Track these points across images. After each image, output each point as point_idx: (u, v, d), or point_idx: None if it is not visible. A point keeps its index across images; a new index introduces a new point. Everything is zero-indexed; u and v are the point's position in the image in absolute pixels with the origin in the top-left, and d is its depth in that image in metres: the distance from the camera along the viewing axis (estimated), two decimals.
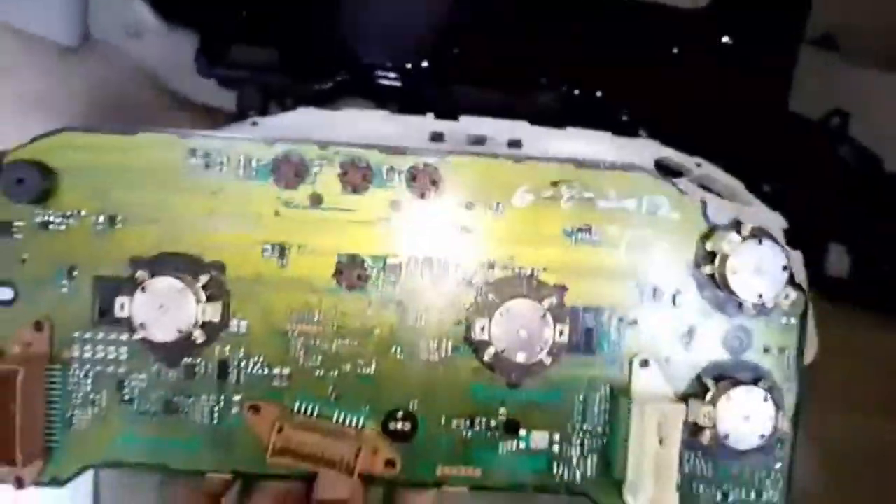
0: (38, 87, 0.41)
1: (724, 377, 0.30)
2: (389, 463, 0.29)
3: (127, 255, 0.29)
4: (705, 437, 0.29)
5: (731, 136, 0.42)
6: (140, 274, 0.28)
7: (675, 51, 0.43)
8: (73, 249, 0.29)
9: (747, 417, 0.29)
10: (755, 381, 0.29)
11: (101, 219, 0.29)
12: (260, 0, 0.42)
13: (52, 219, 0.29)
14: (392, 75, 0.42)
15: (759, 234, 0.29)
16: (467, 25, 0.43)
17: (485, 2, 0.43)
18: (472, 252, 0.30)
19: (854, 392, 0.45)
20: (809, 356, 0.31)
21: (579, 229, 0.30)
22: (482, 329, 0.28)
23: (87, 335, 0.29)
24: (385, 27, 0.43)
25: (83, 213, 0.29)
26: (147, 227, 0.29)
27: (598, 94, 0.43)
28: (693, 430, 0.29)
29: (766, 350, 0.30)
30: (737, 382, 0.29)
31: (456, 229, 0.29)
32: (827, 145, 0.49)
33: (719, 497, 0.30)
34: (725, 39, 0.43)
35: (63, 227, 0.29)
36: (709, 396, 0.29)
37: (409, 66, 0.42)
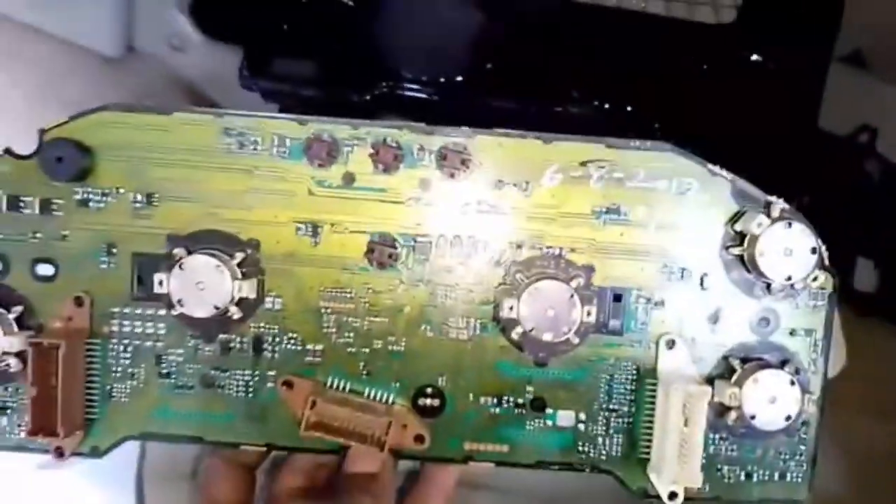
0: (82, 95, 0.42)
1: (750, 358, 0.30)
2: (419, 438, 0.30)
3: (164, 233, 0.29)
4: (731, 417, 0.29)
5: (760, 152, 0.42)
6: (177, 251, 0.28)
7: (704, 66, 0.43)
8: (112, 227, 0.29)
9: (773, 400, 0.29)
10: (782, 364, 0.29)
11: (139, 197, 0.29)
12: (302, 14, 0.43)
13: (91, 196, 0.29)
14: (427, 89, 0.43)
15: (788, 215, 0.29)
16: (500, 42, 0.43)
17: (517, 19, 0.44)
18: (501, 231, 0.30)
19: (878, 400, 0.44)
20: (837, 368, 0.31)
21: (608, 209, 0.30)
22: (510, 308, 0.29)
23: (127, 310, 0.30)
24: (422, 43, 0.43)
25: (121, 190, 0.29)
26: (184, 205, 0.29)
27: (629, 108, 0.43)
28: (719, 410, 0.29)
29: (792, 332, 0.30)
30: (763, 364, 0.29)
31: (485, 209, 0.30)
32: (855, 161, 0.48)
33: (743, 477, 0.31)
34: (755, 57, 0.43)
35: (102, 205, 0.29)
36: (735, 377, 0.29)
37: (443, 80, 0.43)
